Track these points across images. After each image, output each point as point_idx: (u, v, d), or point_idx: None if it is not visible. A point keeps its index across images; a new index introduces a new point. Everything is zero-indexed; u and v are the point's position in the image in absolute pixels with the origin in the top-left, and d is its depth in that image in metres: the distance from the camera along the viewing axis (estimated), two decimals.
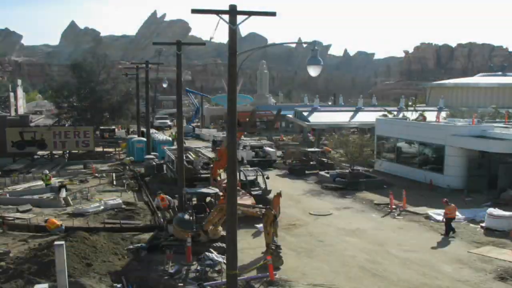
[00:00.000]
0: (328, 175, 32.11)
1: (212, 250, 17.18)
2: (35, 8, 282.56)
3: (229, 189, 14.12)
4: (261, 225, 19.19)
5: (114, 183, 32.08)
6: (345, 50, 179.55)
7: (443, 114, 43.04)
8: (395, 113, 42.96)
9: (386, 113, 43.92)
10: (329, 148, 40.41)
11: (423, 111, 41.93)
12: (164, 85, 46.38)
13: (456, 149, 29.32)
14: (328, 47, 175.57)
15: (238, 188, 18.13)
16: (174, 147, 33.16)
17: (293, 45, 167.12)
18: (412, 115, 38.33)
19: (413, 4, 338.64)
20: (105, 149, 46.19)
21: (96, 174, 35.12)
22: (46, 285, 14.12)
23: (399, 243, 19.73)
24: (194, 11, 13.37)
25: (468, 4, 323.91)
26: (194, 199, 21.51)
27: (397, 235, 20.89)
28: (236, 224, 14.08)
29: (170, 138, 44.76)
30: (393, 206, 25.19)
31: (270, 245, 16.93)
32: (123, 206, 25.07)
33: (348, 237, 20.60)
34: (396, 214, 24.31)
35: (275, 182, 29.69)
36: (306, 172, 35.58)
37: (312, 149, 39.30)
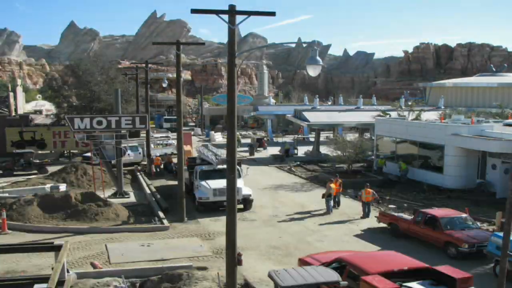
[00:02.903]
0: None
1: None
2: (35, 8, 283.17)
3: (229, 188, 14.07)
4: None
5: None
6: (345, 50, 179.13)
7: (438, 113, 42.97)
8: (393, 113, 42.68)
9: (381, 113, 43.89)
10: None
11: (420, 110, 41.77)
12: (164, 85, 46.41)
13: (455, 149, 29.32)
14: (328, 47, 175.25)
15: None
16: None
17: (293, 45, 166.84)
18: (410, 115, 38.27)
19: (413, 4, 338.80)
20: None
21: None
22: (45, 285, 14.11)
23: None
24: (194, 11, 13.39)
25: (468, 4, 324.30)
26: None
27: None
28: (235, 223, 14.04)
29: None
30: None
31: None
32: None
33: None
34: None
35: None
36: None
37: None
